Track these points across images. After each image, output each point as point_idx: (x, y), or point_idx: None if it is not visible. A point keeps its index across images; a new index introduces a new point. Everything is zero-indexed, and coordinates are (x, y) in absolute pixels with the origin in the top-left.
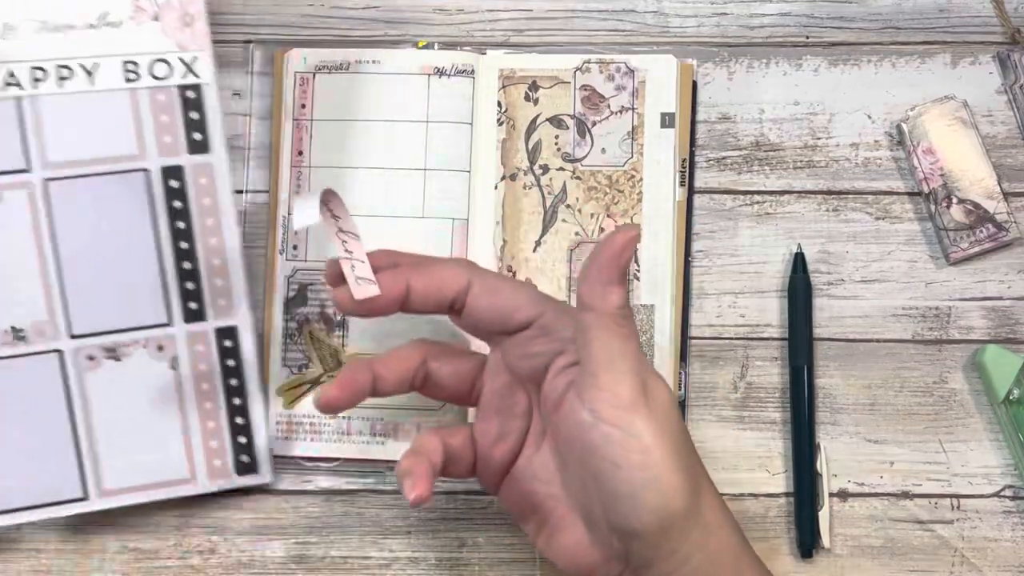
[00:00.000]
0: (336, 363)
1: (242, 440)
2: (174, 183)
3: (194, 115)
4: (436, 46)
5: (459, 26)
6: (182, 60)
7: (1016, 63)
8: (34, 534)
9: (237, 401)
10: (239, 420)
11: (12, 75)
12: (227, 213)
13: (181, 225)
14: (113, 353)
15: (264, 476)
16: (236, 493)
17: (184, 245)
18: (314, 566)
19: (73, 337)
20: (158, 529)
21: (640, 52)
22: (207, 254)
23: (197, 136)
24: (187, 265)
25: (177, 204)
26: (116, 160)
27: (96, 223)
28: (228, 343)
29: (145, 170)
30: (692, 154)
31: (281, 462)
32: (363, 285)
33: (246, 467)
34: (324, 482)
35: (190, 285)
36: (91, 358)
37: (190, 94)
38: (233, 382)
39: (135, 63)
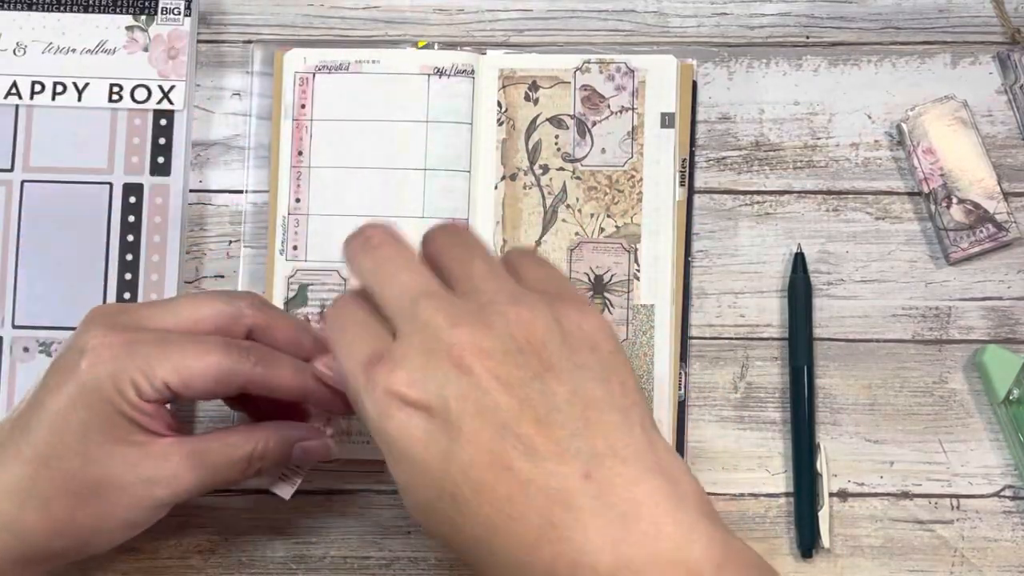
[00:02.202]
0: None
1: None
2: (132, 199)
3: (162, 140)
4: (436, 46)
5: (459, 26)
6: (161, 88)
7: (1016, 63)
8: None
9: None
10: None
11: (15, 86)
12: (173, 233)
13: (130, 238)
14: (46, 348)
15: None
16: (236, 493)
17: (129, 257)
18: (314, 566)
19: (14, 327)
20: (158, 529)
21: (640, 52)
22: (147, 268)
23: (160, 159)
24: (128, 276)
25: (131, 219)
26: (87, 171)
27: (58, 226)
28: None
29: (110, 184)
30: (692, 154)
31: None
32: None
33: None
34: (324, 482)
35: (127, 295)
36: (26, 349)
37: (163, 121)
38: None
39: (120, 86)
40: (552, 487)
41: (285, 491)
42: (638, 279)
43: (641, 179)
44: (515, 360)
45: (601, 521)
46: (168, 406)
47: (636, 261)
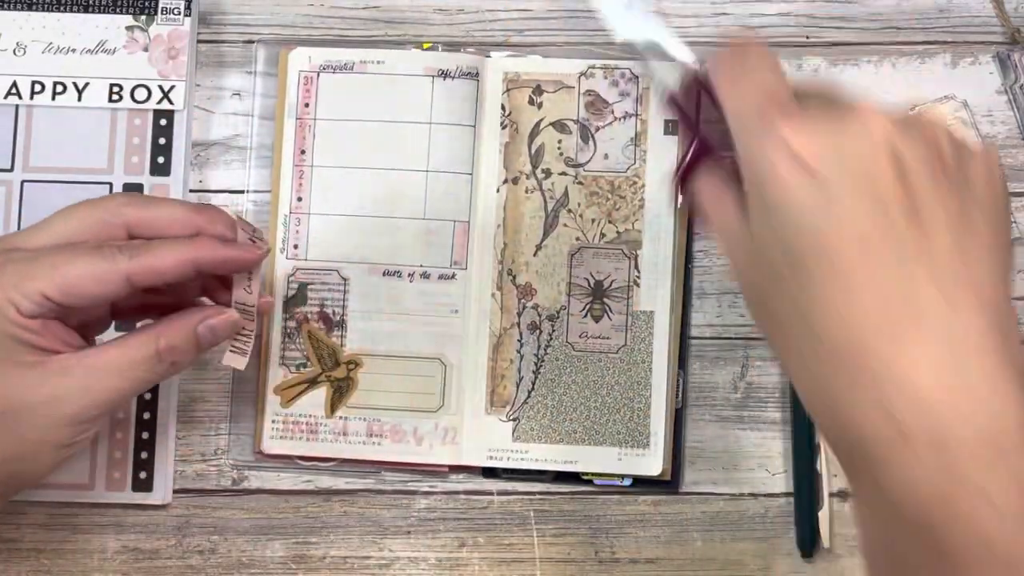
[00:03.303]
0: (334, 363)
1: (143, 456)
2: None
3: (162, 140)
4: (440, 48)
5: (459, 26)
6: (161, 88)
7: (1016, 63)
8: (34, 534)
9: (146, 415)
10: (144, 435)
11: (15, 86)
12: None
13: None
14: None
15: (157, 496)
16: (236, 493)
17: None
18: (314, 566)
19: None
20: (158, 529)
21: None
22: None
23: (160, 159)
24: None
25: None
26: (87, 171)
27: None
28: None
29: (109, 184)
30: None
31: (280, 462)
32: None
33: (142, 484)
34: (324, 482)
35: None
36: None
37: (163, 121)
38: (147, 395)
39: (120, 86)
40: (903, 288)
41: (238, 362)
42: (638, 285)
43: (643, 185)
44: (926, 168)
45: (934, 344)
46: (65, 325)
47: (636, 267)
